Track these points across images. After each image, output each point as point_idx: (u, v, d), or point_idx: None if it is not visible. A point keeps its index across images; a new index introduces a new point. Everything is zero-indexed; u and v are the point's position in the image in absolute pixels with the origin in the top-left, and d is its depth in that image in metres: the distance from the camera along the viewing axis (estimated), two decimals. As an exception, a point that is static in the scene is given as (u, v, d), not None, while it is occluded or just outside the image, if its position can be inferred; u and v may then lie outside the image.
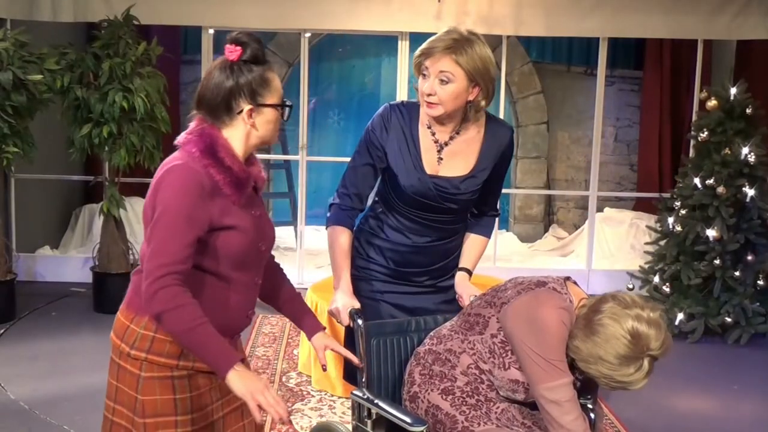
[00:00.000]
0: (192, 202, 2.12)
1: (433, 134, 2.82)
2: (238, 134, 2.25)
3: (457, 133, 2.83)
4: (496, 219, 3.12)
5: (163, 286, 2.08)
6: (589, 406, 2.64)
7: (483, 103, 2.77)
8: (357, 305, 2.78)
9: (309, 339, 2.60)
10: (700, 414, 4.64)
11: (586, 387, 2.59)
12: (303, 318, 2.61)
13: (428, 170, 2.81)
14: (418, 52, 2.74)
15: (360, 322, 2.72)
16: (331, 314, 2.86)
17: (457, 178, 2.82)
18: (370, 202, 3.01)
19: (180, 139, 2.27)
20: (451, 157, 2.82)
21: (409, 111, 2.84)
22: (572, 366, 2.45)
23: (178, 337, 2.13)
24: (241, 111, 2.22)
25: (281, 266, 2.62)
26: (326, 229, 2.93)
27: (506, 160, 2.92)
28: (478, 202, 2.96)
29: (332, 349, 2.59)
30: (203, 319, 2.09)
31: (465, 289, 2.91)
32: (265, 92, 2.23)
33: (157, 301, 2.08)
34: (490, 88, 2.75)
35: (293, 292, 2.60)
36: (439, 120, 2.79)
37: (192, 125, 2.28)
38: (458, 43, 2.66)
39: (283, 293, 2.57)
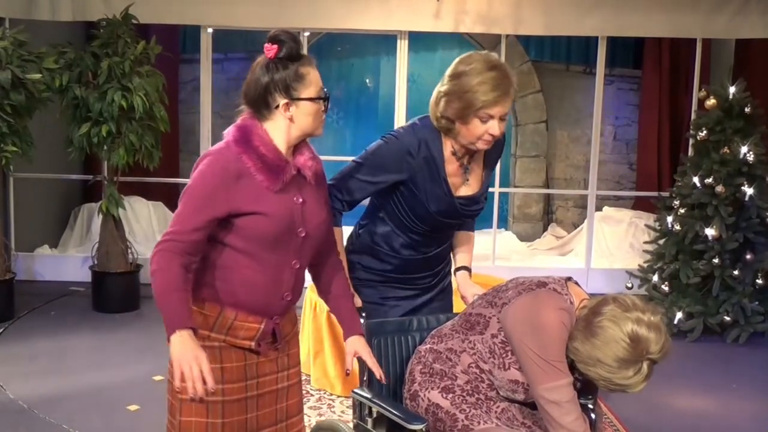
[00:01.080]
0: (212, 183, 2.30)
1: (459, 158, 2.80)
2: (279, 126, 2.37)
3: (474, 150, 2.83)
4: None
5: (161, 249, 2.27)
6: (590, 406, 2.64)
7: None
8: (358, 303, 2.78)
9: (344, 340, 2.65)
10: (698, 412, 4.64)
11: (587, 387, 2.59)
12: (344, 318, 2.67)
13: (456, 192, 2.84)
14: (482, 103, 2.64)
15: (361, 321, 2.71)
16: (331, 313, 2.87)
17: (477, 193, 2.87)
18: (371, 216, 2.96)
19: (225, 131, 2.43)
20: (472, 174, 2.87)
21: (433, 139, 2.77)
22: (572, 367, 2.44)
23: (155, 297, 2.27)
24: (278, 105, 2.35)
25: (341, 264, 2.67)
26: None
27: (498, 151, 2.95)
28: None
29: (360, 357, 2.61)
30: (178, 286, 2.25)
31: (468, 288, 2.93)
32: (300, 87, 2.34)
33: (152, 262, 2.29)
34: None
35: (343, 291, 2.66)
36: None
37: (239, 118, 2.44)
38: (510, 80, 2.69)
39: (333, 290, 2.66)
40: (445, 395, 2.55)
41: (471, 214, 2.91)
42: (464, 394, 2.55)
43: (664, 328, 2.36)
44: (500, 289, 2.63)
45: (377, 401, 2.64)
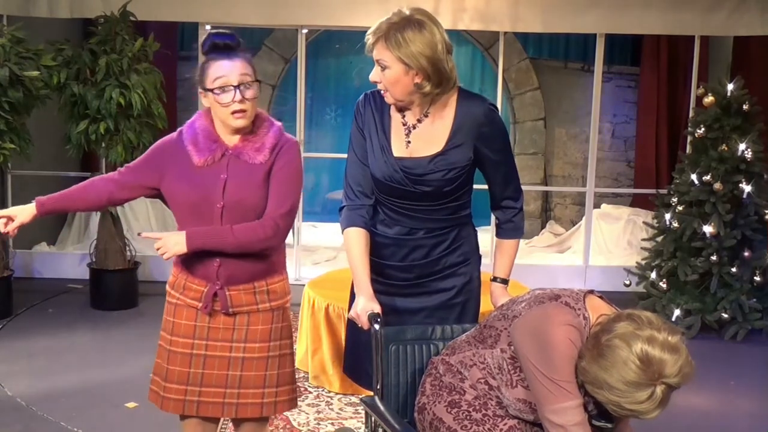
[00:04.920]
0: (153, 150, 2.83)
1: (403, 116, 2.78)
2: (213, 114, 2.75)
3: (425, 116, 2.75)
4: (520, 215, 2.91)
5: None
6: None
7: (428, 88, 2.66)
8: (377, 309, 2.69)
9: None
10: (696, 409, 4.65)
11: (605, 410, 2.31)
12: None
13: (396, 153, 2.74)
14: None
15: (377, 326, 2.64)
16: (351, 319, 2.78)
17: (426, 158, 2.72)
18: None
19: None
20: (420, 139, 2.74)
21: (383, 96, 2.79)
22: (584, 388, 2.26)
23: None
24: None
25: (249, 224, 2.72)
26: (342, 233, 2.86)
27: (492, 139, 2.75)
28: (493, 194, 2.85)
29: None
30: (74, 186, 2.85)
31: (502, 300, 2.79)
32: (205, 78, 2.69)
33: None
34: (431, 73, 2.63)
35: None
36: (402, 105, 2.75)
37: None
38: (390, 28, 2.63)
39: None
40: (449, 410, 2.44)
41: (420, 181, 2.71)
42: (470, 409, 2.43)
43: (684, 350, 2.14)
44: (516, 301, 2.47)
45: (379, 415, 2.57)
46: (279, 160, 2.73)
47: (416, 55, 2.61)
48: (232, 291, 2.75)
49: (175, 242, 2.66)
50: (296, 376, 4.79)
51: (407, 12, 2.67)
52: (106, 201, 2.86)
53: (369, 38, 2.69)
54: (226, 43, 2.68)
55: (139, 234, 2.95)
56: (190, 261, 2.76)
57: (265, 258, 2.77)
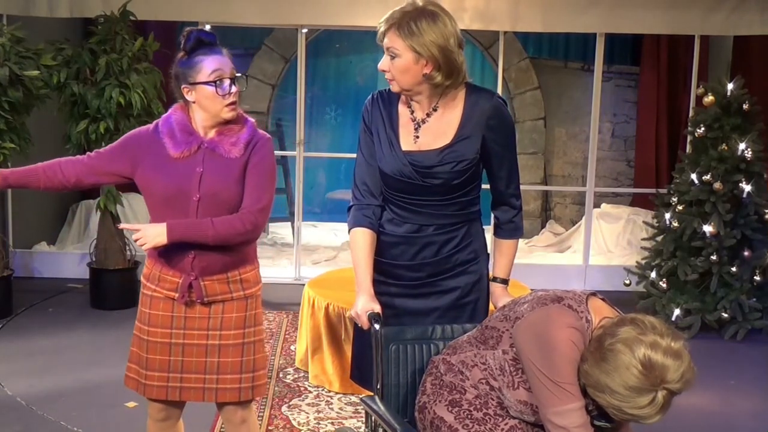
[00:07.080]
0: (127, 139, 2.89)
1: (412, 112, 2.77)
2: (193, 109, 2.84)
3: (434, 110, 2.74)
4: (520, 215, 2.91)
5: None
6: None
7: (439, 78, 2.66)
8: (377, 309, 2.69)
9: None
10: (697, 409, 4.65)
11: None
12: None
13: (404, 147, 2.74)
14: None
15: (377, 326, 2.63)
16: (352, 319, 2.78)
17: (435, 151, 2.71)
18: None
19: None
20: (428, 133, 2.74)
21: (390, 93, 2.81)
22: (585, 390, 2.26)
23: None
24: (184, 91, 2.82)
25: (232, 217, 2.80)
26: (348, 233, 2.87)
27: (499, 132, 2.77)
28: (496, 191, 2.85)
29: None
30: (46, 163, 2.87)
31: (501, 300, 2.80)
32: (195, 73, 2.78)
33: None
34: (442, 63, 2.63)
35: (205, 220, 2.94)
36: (408, 96, 2.74)
37: None
38: (404, 17, 2.64)
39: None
40: (450, 409, 2.44)
41: (430, 174, 2.72)
42: (471, 408, 2.43)
43: (687, 356, 2.14)
44: (518, 302, 2.46)
45: (379, 415, 2.56)
46: (254, 155, 2.81)
47: (428, 45, 2.62)
48: (207, 281, 2.84)
49: (156, 234, 2.72)
50: (296, 376, 4.83)
51: (420, 3, 2.67)
52: (73, 184, 2.88)
53: (381, 26, 2.69)
54: (210, 41, 2.82)
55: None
56: (165, 253, 2.82)
57: (237, 249, 2.86)
